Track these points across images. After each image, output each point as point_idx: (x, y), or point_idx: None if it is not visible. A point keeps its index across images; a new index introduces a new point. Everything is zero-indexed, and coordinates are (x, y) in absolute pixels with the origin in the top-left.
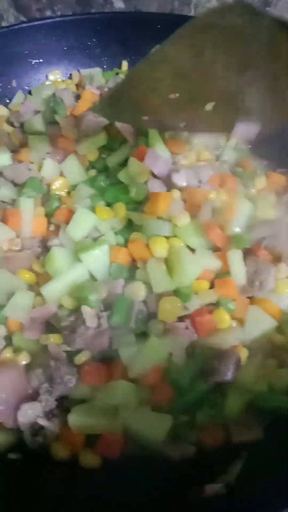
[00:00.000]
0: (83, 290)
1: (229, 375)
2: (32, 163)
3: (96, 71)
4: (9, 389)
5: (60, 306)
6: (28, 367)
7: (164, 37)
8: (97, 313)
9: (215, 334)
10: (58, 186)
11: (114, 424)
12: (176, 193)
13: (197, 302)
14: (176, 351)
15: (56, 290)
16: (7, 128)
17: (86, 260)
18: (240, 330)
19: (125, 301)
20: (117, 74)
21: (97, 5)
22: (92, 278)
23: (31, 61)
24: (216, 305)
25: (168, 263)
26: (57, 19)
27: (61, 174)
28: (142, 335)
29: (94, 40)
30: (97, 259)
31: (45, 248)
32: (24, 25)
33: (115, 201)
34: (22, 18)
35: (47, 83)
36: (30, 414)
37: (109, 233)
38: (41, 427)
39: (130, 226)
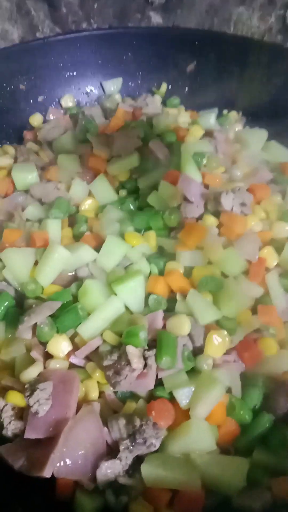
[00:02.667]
0: (128, 326)
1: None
2: (61, 182)
3: (118, 81)
4: (87, 443)
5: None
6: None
7: (202, 55)
8: (143, 353)
9: (264, 362)
10: (87, 207)
11: (192, 475)
12: (211, 221)
13: (241, 333)
14: (233, 384)
15: (94, 328)
16: (34, 146)
17: (121, 293)
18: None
19: (171, 338)
20: (153, 93)
21: (134, 19)
22: (127, 310)
23: (65, 74)
24: (257, 331)
25: (213, 294)
26: (94, 32)
27: (90, 194)
28: (192, 371)
29: (130, 54)
30: (133, 291)
31: (73, 278)
32: (60, 37)
33: (145, 227)
34: (58, 30)
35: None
36: (109, 473)
37: (141, 261)
38: (122, 485)
39: (161, 252)
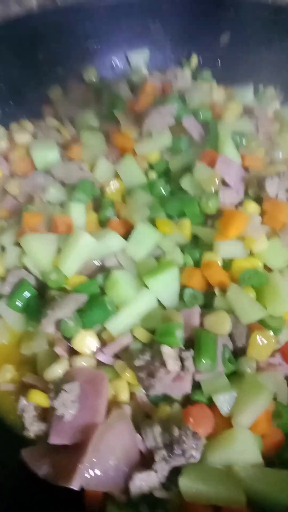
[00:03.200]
0: (161, 323)
1: None
2: (84, 162)
3: (145, 52)
4: (119, 453)
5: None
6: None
7: (238, 24)
8: (179, 353)
9: None
10: (114, 189)
11: (236, 490)
12: (253, 208)
13: (287, 333)
14: (280, 390)
15: (123, 323)
16: (54, 122)
17: (153, 286)
18: None
19: (211, 338)
20: (182, 66)
21: None
22: (160, 305)
23: (87, 45)
24: None
25: (256, 289)
26: None
27: (116, 176)
28: (233, 374)
29: (157, 23)
30: (166, 285)
31: (99, 267)
32: (82, 2)
33: (178, 214)
34: None
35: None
36: (144, 485)
37: (174, 251)
38: (158, 499)
39: (196, 241)
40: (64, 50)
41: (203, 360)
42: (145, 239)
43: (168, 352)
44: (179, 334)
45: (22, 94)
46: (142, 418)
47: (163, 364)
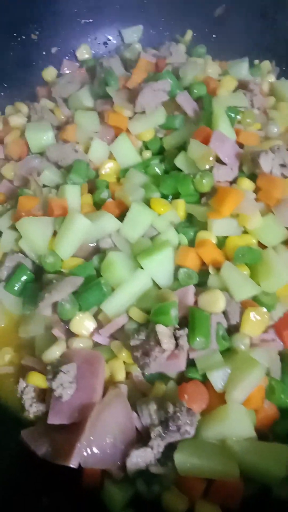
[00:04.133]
0: (156, 303)
1: None
2: (78, 143)
3: (138, 28)
4: (116, 431)
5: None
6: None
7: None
8: (173, 332)
9: None
10: (108, 170)
11: (229, 464)
12: (247, 185)
13: (281, 309)
14: (272, 365)
15: (119, 304)
16: (49, 103)
17: (148, 267)
18: None
19: (204, 316)
20: (177, 42)
21: None
22: (155, 285)
23: (80, 21)
24: None
25: (250, 266)
26: None
27: (110, 157)
28: (226, 351)
29: None
30: (161, 265)
31: (95, 249)
32: None
33: (172, 193)
34: None
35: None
36: (140, 461)
37: (169, 231)
38: (154, 474)
39: (191, 220)
40: (57, 29)
41: (197, 338)
42: (139, 220)
43: (163, 331)
44: (174, 313)
45: (16, 76)
46: (138, 396)
47: (158, 343)
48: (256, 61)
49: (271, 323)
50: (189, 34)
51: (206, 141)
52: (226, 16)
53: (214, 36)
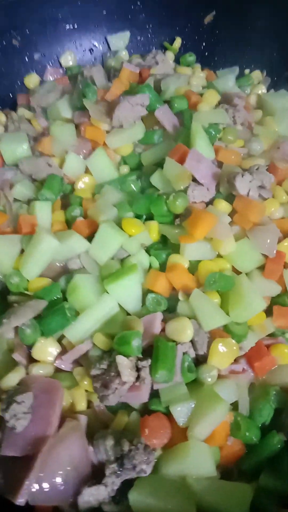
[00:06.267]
0: (120, 330)
1: None
2: (54, 156)
3: (125, 35)
4: (69, 466)
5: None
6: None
7: (223, 3)
8: (135, 363)
9: (277, 371)
10: (83, 186)
11: (187, 504)
12: (223, 207)
13: (252, 338)
14: (240, 399)
15: (83, 330)
16: (26, 113)
17: (114, 292)
18: None
19: (169, 348)
20: (164, 50)
21: None
22: (122, 310)
23: (64, 27)
24: (271, 335)
25: (221, 293)
26: None
27: (87, 171)
28: (193, 383)
29: (139, 3)
30: (128, 290)
31: (64, 269)
32: None
33: (146, 213)
34: None
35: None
36: (93, 500)
37: (139, 254)
38: None
39: (164, 242)
40: (40, 35)
41: (159, 371)
42: (107, 242)
43: (123, 362)
44: (136, 343)
45: None
46: (99, 427)
47: (118, 374)
48: (247, 71)
49: (242, 353)
50: (178, 42)
51: (182, 159)
52: (216, 23)
53: (204, 44)
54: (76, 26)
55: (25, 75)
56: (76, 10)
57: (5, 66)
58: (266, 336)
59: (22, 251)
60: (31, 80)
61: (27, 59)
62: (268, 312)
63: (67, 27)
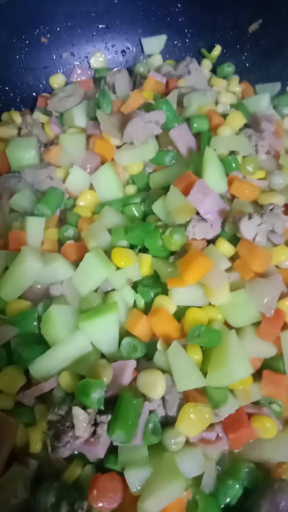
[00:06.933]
0: (84, 381)
1: None
2: (59, 167)
3: (161, 39)
4: None
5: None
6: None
7: (271, 11)
8: (94, 417)
9: (255, 444)
10: (84, 203)
11: None
12: (225, 249)
13: (233, 405)
14: (205, 474)
15: (49, 367)
16: (41, 117)
17: (88, 331)
18: None
19: (131, 406)
20: (202, 57)
21: None
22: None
23: (97, 26)
24: (256, 403)
25: (205, 349)
26: None
27: (91, 187)
28: (157, 446)
29: (179, 6)
30: (103, 330)
31: (45, 292)
32: None
33: (140, 244)
34: None
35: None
36: None
37: (124, 289)
38: None
39: (157, 276)
40: (71, 33)
41: (116, 431)
42: (92, 273)
43: (79, 415)
44: (97, 395)
45: (22, 81)
46: (51, 473)
47: (73, 426)
48: None
49: (218, 420)
50: (217, 50)
51: (187, 190)
52: (261, 33)
53: (245, 54)
54: (110, 26)
55: (51, 74)
56: (111, 8)
57: (31, 63)
58: (251, 404)
59: (7, 268)
60: (57, 80)
61: (54, 57)
62: (257, 377)
63: (100, 26)
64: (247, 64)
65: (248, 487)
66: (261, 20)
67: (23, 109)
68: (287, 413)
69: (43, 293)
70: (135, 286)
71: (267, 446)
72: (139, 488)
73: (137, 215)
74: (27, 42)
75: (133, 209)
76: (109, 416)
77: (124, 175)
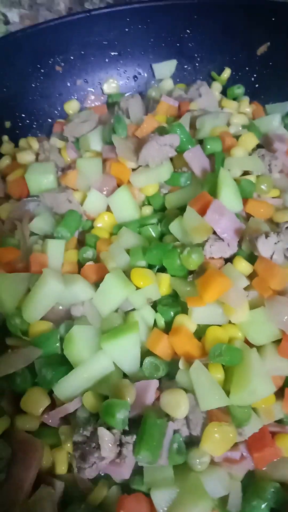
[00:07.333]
0: (110, 395)
1: None
2: (77, 190)
3: (172, 64)
4: None
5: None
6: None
7: (279, 33)
8: (119, 437)
9: (280, 464)
10: (101, 225)
11: None
12: (243, 268)
13: (256, 424)
14: (231, 494)
15: (73, 387)
16: (58, 143)
17: (110, 351)
18: None
19: (157, 427)
20: (212, 80)
21: None
22: (118, 369)
23: (109, 53)
24: (279, 422)
25: (227, 367)
26: (147, 3)
27: (108, 209)
28: (182, 466)
29: (189, 31)
30: (125, 350)
31: (67, 313)
32: (107, 10)
33: (158, 264)
34: (109, 0)
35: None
36: None
37: (145, 309)
38: None
39: (176, 295)
40: (84, 61)
41: (141, 452)
42: (112, 293)
43: (104, 436)
44: (121, 416)
45: (38, 107)
46: (76, 494)
47: (99, 447)
48: None
49: (242, 439)
50: (226, 72)
51: (204, 210)
52: (270, 54)
53: (254, 75)
54: (121, 53)
55: (65, 101)
56: (122, 36)
57: (46, 91)
58: (274, 422)
59: (29, 290)
60: (71, 106)
61: (69, 85)
62: (279, 393)
63: (112, 53)
64: (257, 85)
65: (275, 508)
66: (269, 42)
67: (39, 135)
68: None
69: (65, 314)
70: (154, 306)
71: None
72: (165, 509)
73: (154, 235)
74: (42, 71)
75: (150, 229)
76: (134, 437)
77: (140, 197)
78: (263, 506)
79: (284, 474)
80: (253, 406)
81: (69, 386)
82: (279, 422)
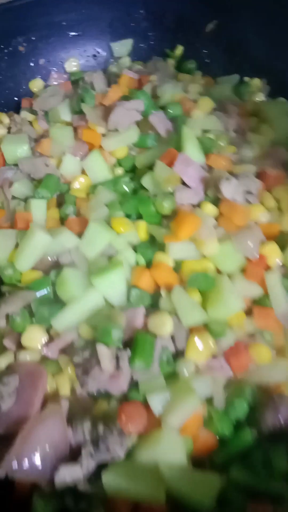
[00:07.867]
0: (103, 322)
1: (278, 422)
2: (52, 157)
3: (128, 42)
4: (48, 445)
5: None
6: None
7: (225, 12)
8: (115, 353)
9: (256, 369)
10: (79, 186)
11: (157, 488)
12: (210, 210)
13: (231, 337)
14: (215, 394)
15: (69, 320)
16: (28, 116)
17: (100, 286)
18: (284, 364)
19: (147, 340)
20: (167, 56)
21: None
22: (108, 303)
23: (69, 34)
24: (251, 335)
25: (203, 292)
26: None
27: (83, 172)
28: (171, 375)
29: (142, 12)
30: (113, 284)
31: (55, 263)
32: None
33: (136, 213)
34: None
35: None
36: (68, 477)
37: (126, 251)
38: (83, 492)
39: (152, 241)
40: (46, 41)
41: (137, 361)
42: (96, 239)
43: (103, 351)
44: (116, 334)
45: (2, 86)
46: (80, 412)
47: (99, 363)
48: (247, 78)
49: (221, 350)
50: (179, 49)
51: (171, 163)
52: (217, 32)
53: (205, 51)
54: (81, 33)
55: (30, 80)
56: (81, 17)
57: (11, 70)
58: (247, 335)
59: (17, 245)
60: (36, 84)
61: (32, 64)
62: (249, 313)
63: (72, 33)
64: (207, 60)
65: (252, 405)
66: (216, 20)
67: (7, 112)
68: (277, 341)
69: (53, 264)
70: (135, 250)
71: (265, 370)
72: (161, 410)
73: (128, 190)
74: (6, 51)
75: (124, 186)
76: (128, 351)
77: (111, 160)
78: (243, 402)
79: (258, 378)
80: (227, 324)
81: (66, 319)
82: (251, 336)
